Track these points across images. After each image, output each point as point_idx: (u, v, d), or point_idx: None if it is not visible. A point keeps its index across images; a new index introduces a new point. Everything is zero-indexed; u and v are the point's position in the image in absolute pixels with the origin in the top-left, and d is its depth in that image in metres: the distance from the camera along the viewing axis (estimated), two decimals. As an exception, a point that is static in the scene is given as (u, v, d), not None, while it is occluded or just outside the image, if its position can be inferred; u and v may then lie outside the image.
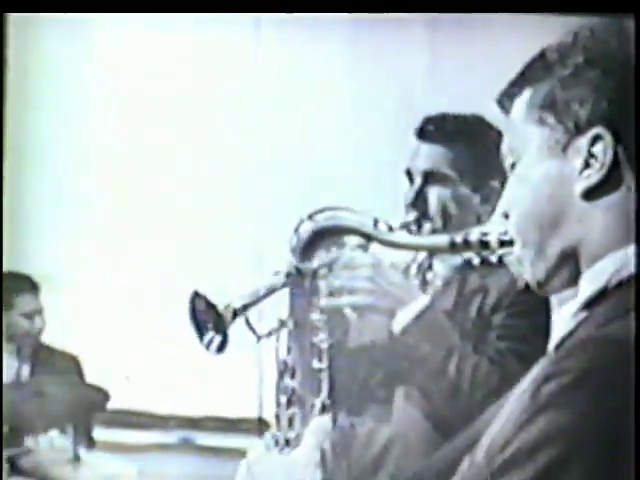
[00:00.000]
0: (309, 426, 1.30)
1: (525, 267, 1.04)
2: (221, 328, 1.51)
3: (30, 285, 3.74)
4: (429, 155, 1.85)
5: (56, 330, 4.00)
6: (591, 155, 0.98)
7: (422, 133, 1.87)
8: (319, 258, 1.44)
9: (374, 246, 1.59)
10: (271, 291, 1.49)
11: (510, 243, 1.09)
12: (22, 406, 3.23)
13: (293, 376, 1.38)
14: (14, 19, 4.42)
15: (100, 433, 3.93)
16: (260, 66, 5.37)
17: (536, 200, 1.01)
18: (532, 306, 1.13)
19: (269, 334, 1.44)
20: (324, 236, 1.41)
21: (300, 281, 1.41)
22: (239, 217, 5.14)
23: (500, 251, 1.26)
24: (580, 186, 0.99)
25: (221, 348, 1.51)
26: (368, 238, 1.40)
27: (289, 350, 1.40)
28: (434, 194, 1.82)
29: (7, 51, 4.68)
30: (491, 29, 4.25)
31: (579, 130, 0.99)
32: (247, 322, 1.49)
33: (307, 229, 1.40)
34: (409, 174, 1.88)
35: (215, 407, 5.02)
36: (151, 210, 5.06)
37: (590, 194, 0.98)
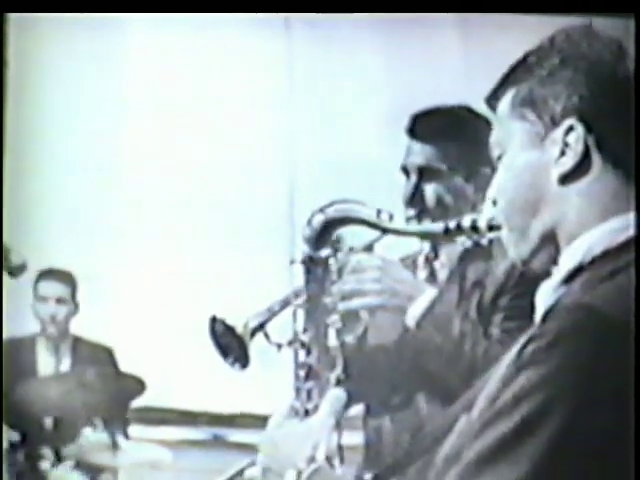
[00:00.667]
0: (325, 396, 1.43)
1: (511, 248, 1.18)
2: (242, 347, 1.61)
3: (63, 276, 3.89)
4: (421, 152, 1.94)
5: (91, 324, 4.12)
6: (566, 144, 1.11)
7: (412, 131, 1.97)
8: (330, 248, 1.55)
9: (379, 246, 1.71)
10: (285, 305, 1.61)
11: (498, 227, 1.23)
12: (65, 398, 3.35)
13: (309, 353, 1.49)
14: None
15: (132, 430, 3.98)
16: (290, 66, 5.45)
17: (519, 187, 1.15)
18: (534, 286, 1.24)
19: (289, 343, 1.53)
20: (334, 226, 1.52)
21: (313, 267, 1.50)
22: (269, 213, 5.22)
23: (489, 235, 1.39)
24: (556, 172, 1.12)
25: (245, 365, 1.61)
26: (372, 226, 1.50)
27: (305, 330, 1.51)
28: (430, 189, 1.91)
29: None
30: (513, 29, 4.31)
31: (555, 123, 1.11)
32: (266, 337, 1.59)
33: (318, 220, 1.51)
34: (405, 171, 1.98)
35: (248, 404, 5.05)
36: (179, 205, 5.09)
37: (565, 179, 1.11)
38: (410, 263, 1.90)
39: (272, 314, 1.60)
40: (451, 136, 1.82)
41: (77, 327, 4.01)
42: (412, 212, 1.75)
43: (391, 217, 1.48)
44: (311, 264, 1.51)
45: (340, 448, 1.36)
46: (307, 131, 5.49)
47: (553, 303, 1.08)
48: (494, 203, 1.20)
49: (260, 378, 4.95)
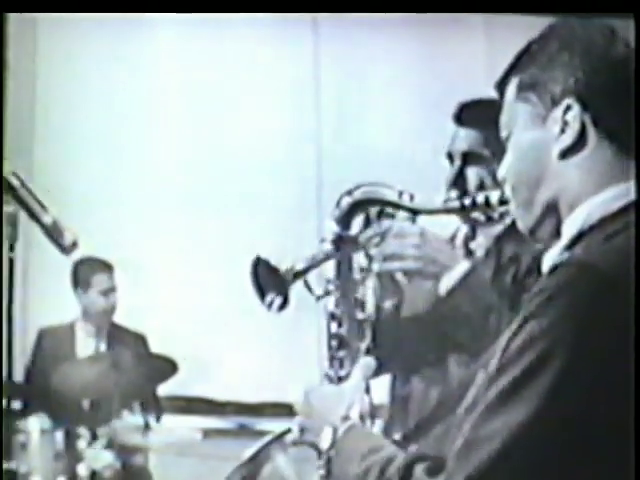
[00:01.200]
0: (357, 364, 1.55)
1: (519, 220, 1.29)
2: (282, 289, 1.72)
3: (105, 266, 3.96)
4: (466, 138, 2.05)
5: (126, 311, 4.19)
6: (565, 122, 1.22)
7: (458, 118, 2.07)
8: (358, 226, 1.66)
9: (422, 218, 1.81)
10: (327, 257, 1.69)
11: (507, 202, 1.36)
12: (101, 380, 3.44)
13: (340, 325, 1.62)
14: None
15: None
16: (318, 65, 5.51)
17: (524, 164, 1.26)
18: None
19: (326, 294, 1.65)
20: (360, 207, 1.65)
21: (343, 245, 1.63)
22: (299, 194, 5.31)
23: (500, 209, 1.56)
24: (557, 148, 1.23)
25: (282, 307, 1.72)
26: (395, 206, 1.63)
27: (337, 304, 1.63)
28: (472, 172, 2.01)
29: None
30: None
31: (554, 103, 1.23)
32: (306, 284, 1.70)
33: (346, 202, 1.64)
34: (450, 157, 2.08)
35: (275, 393, 5.05)
36: (209, 195, 5.18)
37: (565, 154, 1.23)
38: (449, 242, 1.99)
39: (315, 262, 1.69)
40: (494, 124, 1.93)
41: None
42: (454, 194, 1.83)
43: (412, 197, 1.61)
44: (340, 242, 1.64)
45: (371, 408, 1.48)
46: (334, 124, 5.58)
47: (556, 264, 1.18)
48: (504, 180, 1.31)
49: (285, 367, 5.05)
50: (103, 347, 3.91)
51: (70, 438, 3.16)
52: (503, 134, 1.31)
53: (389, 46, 5.35)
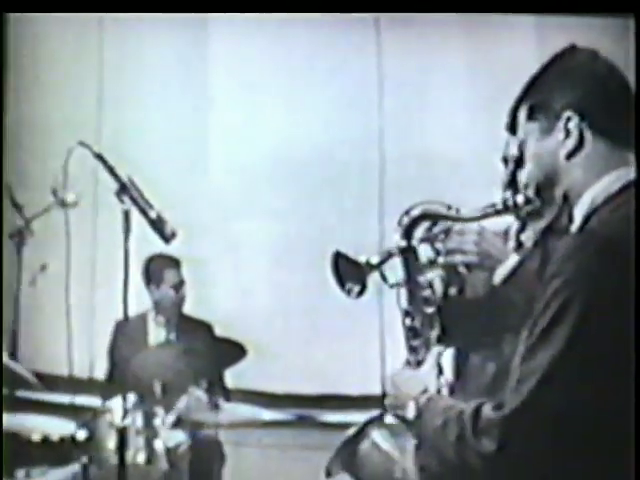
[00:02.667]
0: (431, 351, 1.85)
1: (545, 214, 1.69)
2: (361, 278, 1.97)
3: (174, 262, 4.19)
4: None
5: (193, 302, 4.38)
6: (567, 131, 1.57)
7: (510, 127, 2.32)
8: (423, 232, 1.98)
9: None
10: (398, 252, 1.98)
11: (530, 201, 1.79)
12: (172, 364, 3.66)
13: (413, 319, 1.92)
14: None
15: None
16: (381, 66, 5.61)
17: (540, 168, 1.62)
18: None
19: (397, 284, 1.95)
20: (417, 221, 1.97)
21: (406, 255, 1.95)
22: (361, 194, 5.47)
23: (526, 208, 1.89)
24: (563, 152, 1.58)
25: (361, 293, 1.97)
26: (445, 218, 1.97)
27: (410, 301, 1.94)
28: (524, 175, 2.27)
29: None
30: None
31: (557, 117, 1.59)
32: (382, 274, 1.96)
33: (405, 220, 1.97)
34: (505, 160, 2.33)
35: (337, 385, 5.24)
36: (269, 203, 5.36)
37: (570, 156, 1.58)
38: (503, 235, 2.25)
39: (389, 256, 1.96)
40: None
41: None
42: (508, 194, 2.06)
43: (457, 210, 1.94)
44: (403, 253, 1.95)
45: (444, 384, 1.77)
46: (396, 125, 5.71)
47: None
48: (527, 185, 1.66)
49: (347, 361, 5.18)
50: (173, 336, 4.13)
51: (147, 417, 3.38)
52: (523, 146, 1.65)
53: (446, 47, 5.48)
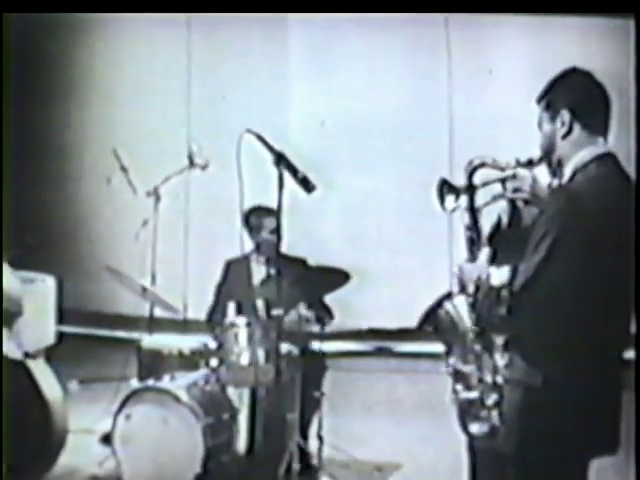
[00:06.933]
0: (481, 251, 2.68)
1: (548, 174, 2.48)
2: (457, 197, 2.76)
3: (269, 211, 4.60)
4: None
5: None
6: (562, 121, 2.56)
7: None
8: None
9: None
10: (466, 188, 2.75)
11: (541, 160, 2.66)
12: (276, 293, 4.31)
13: (472, 235, 2.73)
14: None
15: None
16: (450, 55, 6.43)
17: (547, 142, 2.59)
18: None
19: (453, 210, 2.74)
20: (478, 167, 2.76)
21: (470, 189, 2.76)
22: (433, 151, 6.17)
23: (539, 164, 2.68)
24: (559, 134, 2.56)
25: (453, 210, 2.75)
26: (494, 167, 2.74)
27: (471, 221, 2.74)
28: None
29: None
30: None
31: (556, 111, 2.57)
32: (470, 196, 2.73)
33: (473, 164, 2.76)
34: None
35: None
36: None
37: (564, 137, 2.55)
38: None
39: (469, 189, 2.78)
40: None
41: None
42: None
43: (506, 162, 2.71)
44: (468, 190, 2.73)
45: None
46: (462, 90, 6.44)
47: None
48: (543, 153, 2.61)
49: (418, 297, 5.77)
50: (273, 272, 4.69)
51: (264, 330, 4.17)
52: (539, 126, 2.53)
53: (509, 40, 6.22)
